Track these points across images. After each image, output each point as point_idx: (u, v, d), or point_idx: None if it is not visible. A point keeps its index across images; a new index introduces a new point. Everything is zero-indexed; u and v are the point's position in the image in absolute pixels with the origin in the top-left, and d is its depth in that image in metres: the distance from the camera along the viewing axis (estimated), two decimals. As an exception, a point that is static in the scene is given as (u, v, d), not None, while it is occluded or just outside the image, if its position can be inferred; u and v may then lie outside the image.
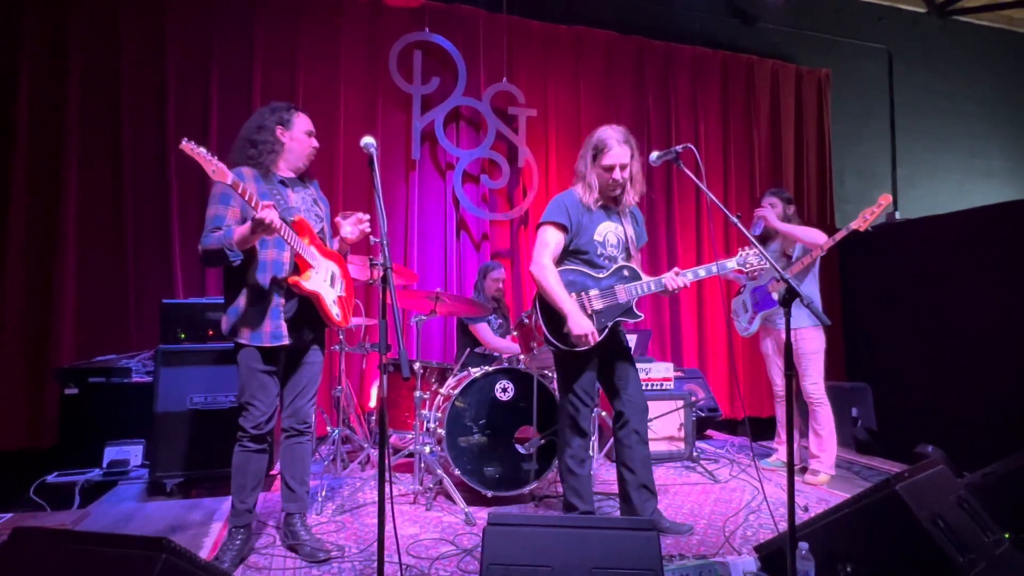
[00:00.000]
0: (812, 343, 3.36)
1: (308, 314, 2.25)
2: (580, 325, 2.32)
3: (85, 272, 3.64)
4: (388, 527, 1.64)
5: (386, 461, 1.59)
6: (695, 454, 3.76)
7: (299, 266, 2.18)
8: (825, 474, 3.34)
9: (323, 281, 2.25)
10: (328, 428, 3.61)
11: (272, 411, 2.26)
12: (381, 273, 1.66)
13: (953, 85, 6.02)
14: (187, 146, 1.81)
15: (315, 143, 2.36)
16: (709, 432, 4.70)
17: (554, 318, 2.42)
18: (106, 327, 3.66)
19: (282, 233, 2.04)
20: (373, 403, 3.97)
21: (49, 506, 2.93)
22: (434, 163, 4.51)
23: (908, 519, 1.71)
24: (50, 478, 3.03)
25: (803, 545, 1.82)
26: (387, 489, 1.55)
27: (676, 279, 2.39)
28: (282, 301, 2.19)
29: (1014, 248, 3.51)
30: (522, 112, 4.58)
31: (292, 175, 2.32)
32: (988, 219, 3.71)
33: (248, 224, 1.97)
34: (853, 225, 3.18)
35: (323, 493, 2.99)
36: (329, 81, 4.22)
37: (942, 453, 3.44)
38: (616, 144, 2.41)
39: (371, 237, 2.08)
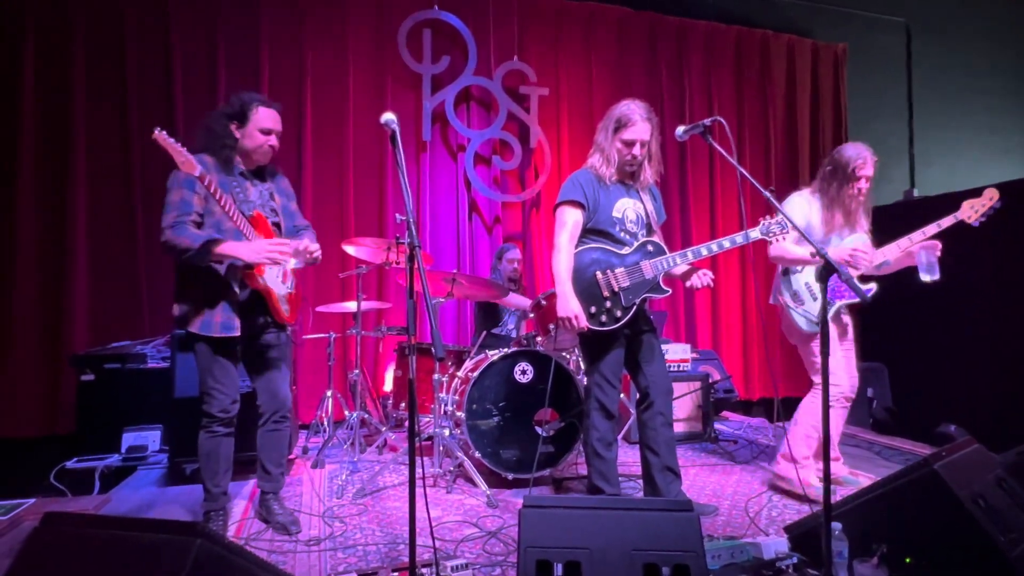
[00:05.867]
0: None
1: (261, 301, 2.26)
2: (565, 307, 2.30)
3: (97, 259, 3.61)
4: (406, 508, 1.61)
5: (416, 442, 1.56)
6: (713, 435, 3.74)
7: None
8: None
9: (275, 277, 2.26)
10: (346, 412, 3.60)
11: (237, 394, 2.28)
12: (408, 252, 1.61)
13: (972, 59, 5.87)
14: (160, 136, 1.82)
15: (272, 141, 2.24)
16: (725, 413, 4.68)
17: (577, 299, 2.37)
18: (119, 314, 3.65)
19: (243, 230, 2.07)
20: (388, 387, 3.94)
21: (69, 491, 2.93)
22: (445, 144, 4.44)
23: (949, 498, 1.67)
24: (70, 464, 3.03)
25: (836, 525, 1.79)
26: (415, 471, 1.52)
27: (703, 277, 2.41)
28: (236, 292, 2.18)
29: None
30: (534, 91, 4.50)
31: (250, 169, 2.29)
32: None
33: (233, 249, 2.03)
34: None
35: (343, 476, 2.98)
36: (337, 62, 4.14)
37: (964, 433, 3.40)
38: (640, 120, 2.38)
39: (396, 215, 2.04)
